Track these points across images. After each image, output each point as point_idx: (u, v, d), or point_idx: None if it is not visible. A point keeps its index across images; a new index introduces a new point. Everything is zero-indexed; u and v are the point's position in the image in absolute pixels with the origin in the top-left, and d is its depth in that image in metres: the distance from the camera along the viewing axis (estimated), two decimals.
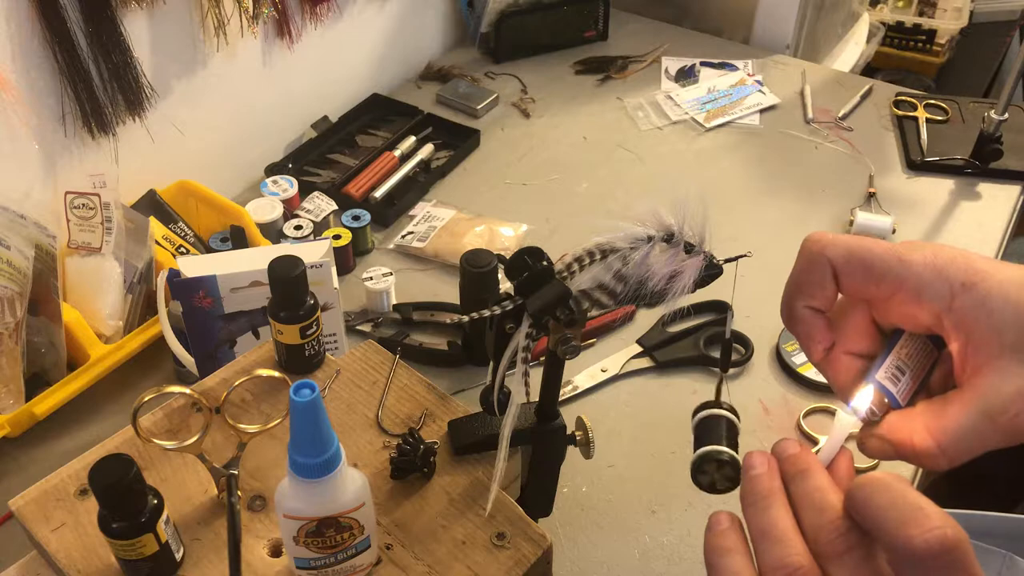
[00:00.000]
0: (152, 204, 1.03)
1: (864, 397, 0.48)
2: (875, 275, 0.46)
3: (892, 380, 0.48)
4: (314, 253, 0.81)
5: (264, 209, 1.04)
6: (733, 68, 1.44)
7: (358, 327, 0.98)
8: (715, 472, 0.51)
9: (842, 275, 0.47)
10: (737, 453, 0.52)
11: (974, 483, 1.53)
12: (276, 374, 0.59)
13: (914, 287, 0.45)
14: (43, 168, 0.94)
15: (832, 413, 0.90)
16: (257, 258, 0.79)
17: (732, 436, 0.53)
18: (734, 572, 0.42)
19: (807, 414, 0.89)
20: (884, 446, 0.46)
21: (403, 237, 1.10)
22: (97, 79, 0.93)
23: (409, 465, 0.63)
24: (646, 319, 0.99)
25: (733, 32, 1.55)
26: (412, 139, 1.24)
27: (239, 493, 0.60)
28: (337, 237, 1.02)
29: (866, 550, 0.40)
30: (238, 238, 1.00)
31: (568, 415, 0.66)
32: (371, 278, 0.99)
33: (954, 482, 1.51)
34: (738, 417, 0.53)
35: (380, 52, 1.35)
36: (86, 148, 0.97)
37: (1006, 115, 1.18)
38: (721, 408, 0.53)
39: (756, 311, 1.00)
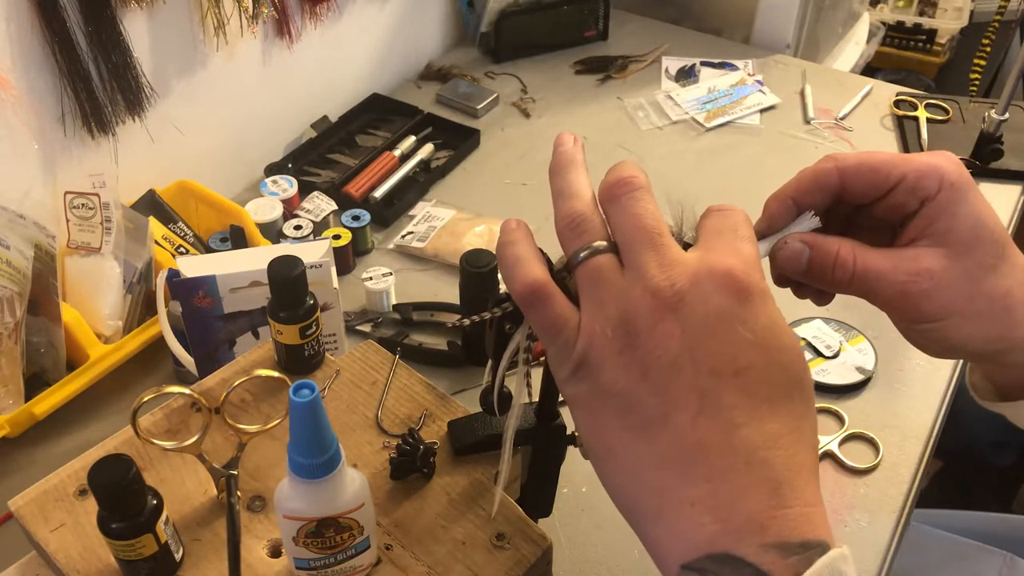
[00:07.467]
0: (152, 204, 1.03)
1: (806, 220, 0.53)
2: (882, 173, 0.52)
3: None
4: (314, 253, 0.81)
5: (264, 209, 1.04)
6: (733, 68, 1.44)
7: (358, 327, 0.97)
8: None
9: (851, 179, 0.53)
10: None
11: (970, 475, 1.54)
12: (276, 374, 0.59)
13: (913, 178, 0.52)
14: (42, 168, 0.94)
15: (831, 413, 0.89)
16: (257, 258, 0.79)
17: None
18: (516, 256, 0.50)
19: None
20: (803, 247, 0.52)
21: (403, 237, 1.10)
22: (97, 79, 0.93)
23: (409, 465, 0.63)
24: None
25: (733, 32, 1.55)
26: (412, 139, 1.24)
27: (239, 493, 0.60)
28: (337, 237, 1.02)
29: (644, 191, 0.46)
30: (238, 238, 1.00)
31: (568, 415, 0.66)
32: (371, 278, 0.99)
33: (953, 473, 1.52)
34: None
35: (380, 52, 1.35)
36: (86, 148, 0.97)
37: (1006, 115, 1.18)
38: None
39: None
